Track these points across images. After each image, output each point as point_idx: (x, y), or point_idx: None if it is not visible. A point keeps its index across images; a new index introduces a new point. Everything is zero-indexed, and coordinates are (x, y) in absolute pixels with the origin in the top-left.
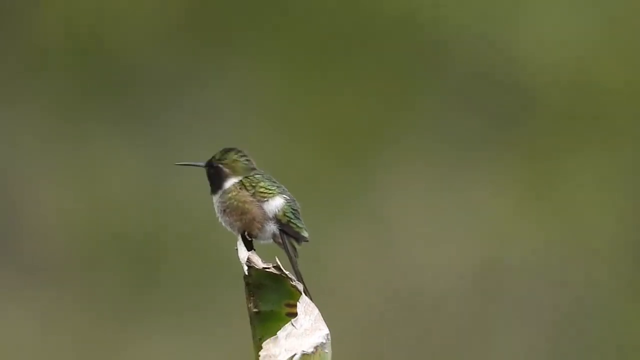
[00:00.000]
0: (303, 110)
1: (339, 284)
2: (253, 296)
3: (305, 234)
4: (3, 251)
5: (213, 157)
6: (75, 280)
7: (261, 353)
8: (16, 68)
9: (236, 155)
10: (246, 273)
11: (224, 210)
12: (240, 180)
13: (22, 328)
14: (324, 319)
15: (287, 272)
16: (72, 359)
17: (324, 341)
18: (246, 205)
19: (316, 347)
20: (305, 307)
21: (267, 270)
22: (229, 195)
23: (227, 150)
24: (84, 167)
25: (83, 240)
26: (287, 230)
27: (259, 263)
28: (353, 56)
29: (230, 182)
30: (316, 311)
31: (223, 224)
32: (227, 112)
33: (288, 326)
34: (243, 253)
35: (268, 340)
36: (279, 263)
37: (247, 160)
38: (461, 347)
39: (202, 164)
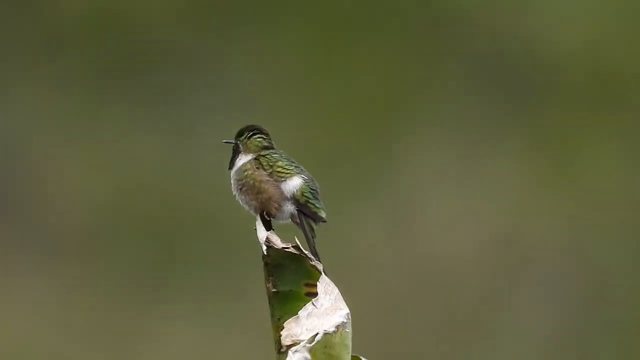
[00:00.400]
0: (323, 88)
1: (361, 262)
2: (272, 276)
3: (323, 214)
4: (26, 229)
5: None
6: (97, 258)
7: (283, 332)
8: (38, 47)
9: (251, 133)
10: (265, 253)
11: (241, 189)
12: (258, 159)
13: (43, 304)
14: (345, 298)
15: (306, 252)
16: (92, 335)
17: (345, 320)
18: (262, 185)
19: (337, 327)
20: (326, 286)
21: (286, 250)
22: (245, 173)
23: (244, 128)
24: (106, 146)
25: (105, 219)
26: (305, 211)
27: (278, 243)
28: (373, 33)
29: (244, 159)
30: (336, 290)
31: (240, 202)
32: (247, 91)
33: (309, 306)
34: (262, 233)
35: (289, 319)
36: (298, 243)
37: (263, 137)
38: (483, 323)
39: (234, 141)
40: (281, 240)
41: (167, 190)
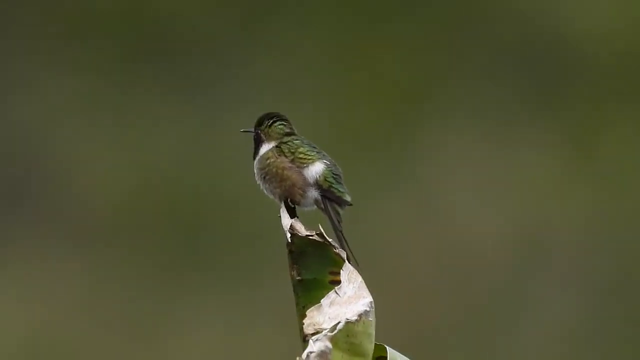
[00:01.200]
0: (348, 76)
1: (386, 249)
2: (296, 264)
3: (348, 198)
4: (52, 218)
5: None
6: (123, 247)
7: (305, 321)
8: (64, 34)
9: (271, 121)
10: (289, 241)
11: (264, 177)
12: (279, 146)
13: (69, 292)
14: (368, 286)
15: (330, 240)
16: (118, 323)
17: (368, 309)
18: (285, 172)
19: (360, 315)
20: (349, 274)
21: (310, 237)
22: (268, 161)
23: (264, 116)
24: (132, 134)
25: (131, 207)
26: (329, 196)
27: (302, 230)
28: (398, 20)
29: (266, 148)
30: (360, 279)
31: (265, 191)
32: (273, 77)
33: (332, 294)
34: (286, 220)
35: (312, 308)
36: (322, 230)
37: (283, 124)
38: (506, 312)
39: (253, 130)
40: (305, 228)
41: (193, 178)
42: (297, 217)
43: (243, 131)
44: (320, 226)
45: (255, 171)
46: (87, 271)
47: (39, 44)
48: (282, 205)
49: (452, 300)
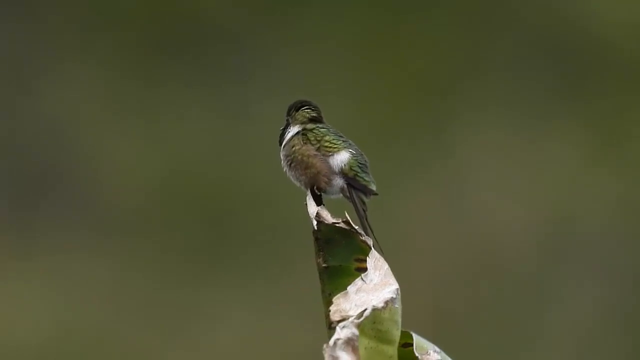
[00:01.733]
0: (378, 65)
1: (413, 238)
2: (322, 251)
3: (373, 187)
4: (79, 208)
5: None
6: (149, 237)
7: (332, 308)
8: (92, 25)
9: (300, 105)
10: (315, 228)
11: (290, 164)
12: (305, 134)
13: (96, 282)
14: (394, 274)
15: (356, 227)
16: (144, 313)
17: (394, 296)
18: (310, 159)
19: (386, 302)
20: (375, 261)
21: (336, 225)
22: (293, 149)
23: (293, 103)
24: (159, 125)
25: (157, 198)
26: (355, 184)
27: (328, 218)
28: (426, 11)
29: (291, 132)
30: (386, 266)
31: (291, 178)
32: (300, 69)
33: (358, 281)
34: (312, 208)
35: (338, 295)
36: (348, 218)
37: (310, 109)
38: (532, 303)
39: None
40: (331, 215)
41: (220, 170)
42: (323, 205)
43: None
44: (346, 214)
45: (281, 158)
46: (112, 264)
47: (66, 37)
48: (308, 193)
49: (477, 290)
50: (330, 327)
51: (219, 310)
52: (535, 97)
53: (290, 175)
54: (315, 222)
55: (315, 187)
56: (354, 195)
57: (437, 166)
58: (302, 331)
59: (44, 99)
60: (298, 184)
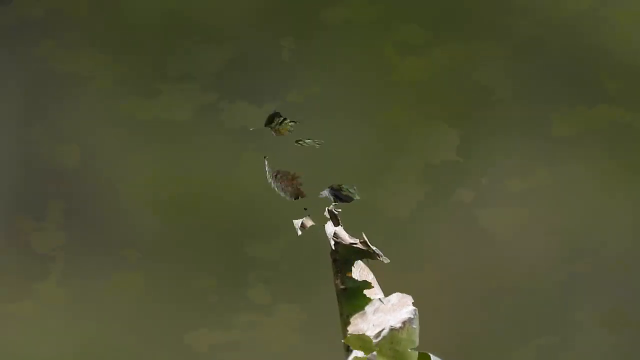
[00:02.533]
0: (386, 86)
1: (429, 260)
2: (340, 272)
3: (357, 197)
4: (92, 232)
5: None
6: (166, 261)
7: (349, 328)
8: (108, 43)
9: (282, 119)
10: (333, 249)
11: (275, 176)
12: None
13: (113, 305)
14: (416, 294)
15: (374, 248)
16: (161, 336)
17: (412, 316)
18: (296, 171)
19: (404, 322)
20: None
21: (354, 245)
22: None
23: (274, 114)
24: (171, 143)
25: (172, 220)
26: (339, 195)
27: (346, 238)
28: (440, 28)
29: None
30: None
31: (276, 189)
32: (316, 90)
33: (376, 301)
34: (330, 228)
35: (356, 315)
36: (365, 238)
37: (294, 122)
38: (550, 326)
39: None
40: (349, 235)
41: (238, 189)
42: (341, 225)
43: (252, 130)
44: (363, 234)
45: (266, 170)
46: (129, 284)
47: (82, 54)
48: (326, 213)
49: (494, 313)
50: (349, 350)
51: (240, 331)
52: (556, 116)
53: (275, 186)
54: (332, 243)
55: (300, 198)
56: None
57: (452, 189)
58: (320, 353)
59: (59, 120)
60: (283, 195)
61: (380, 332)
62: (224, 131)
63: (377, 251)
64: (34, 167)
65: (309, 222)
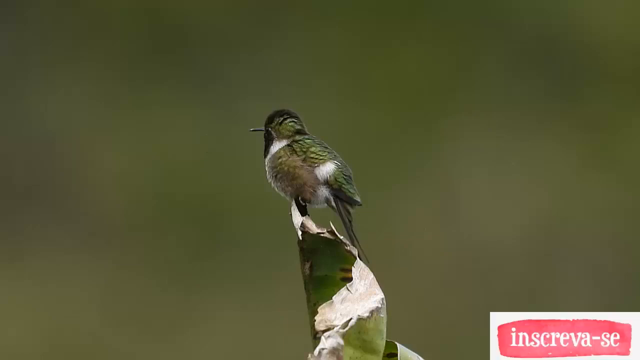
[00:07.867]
0: (365, 70)
1: (403, 245)
2: (308, 261)
3: (358, 198)
4: (63, 215)
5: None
6: (140, 243)
7: (317, 317)
8: (81, 31)
9: (282, 118)
10: (300, 238)
11: (275, 176)
12: (291, 145)
13: (87, 290)
14: (380, 284)
15: (341, 237)
16: (135, 320)
17: (380, 305)
18: (297, 170)
19: (372, 312)
20: (360, 271)
21: (321, 235)
22: (280, 160)
23: (274, 114)
24: (144, 129)
25: (143, 204)
26: (340, 195)
27: (313, 228)
28: (417, 15)
29: (278, 146)
30: (371, 275)
31: (276, 189)
32: (288, 73)
33: (343, 291)
34: (297, 218)
35: (323, 304)
36: (333, 228)
37: (294, 122)
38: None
39: (263, 128)
40: (316, 225)
41: (211, 174)
42: (308, 215)
43: (252, 130)
44: (331, 224)
45: (266, 169)
46: (103, 267)
47: (56, 43)
48: (293, 203)
49: (468, 297)
50: (316, 337)
51: (209, 315)
52: (526, 100)
53: (275, 186)
54: (300, 233)
55: (300, 198)
56: (340, 205)
57: (427, 171)
58: (292, 337)
59: (35, 104)
60: (283, 195)
61: (348, 321)
62: (197, 114)
63: (345, 241)
64: (3, 152)
65: (309, 222)
